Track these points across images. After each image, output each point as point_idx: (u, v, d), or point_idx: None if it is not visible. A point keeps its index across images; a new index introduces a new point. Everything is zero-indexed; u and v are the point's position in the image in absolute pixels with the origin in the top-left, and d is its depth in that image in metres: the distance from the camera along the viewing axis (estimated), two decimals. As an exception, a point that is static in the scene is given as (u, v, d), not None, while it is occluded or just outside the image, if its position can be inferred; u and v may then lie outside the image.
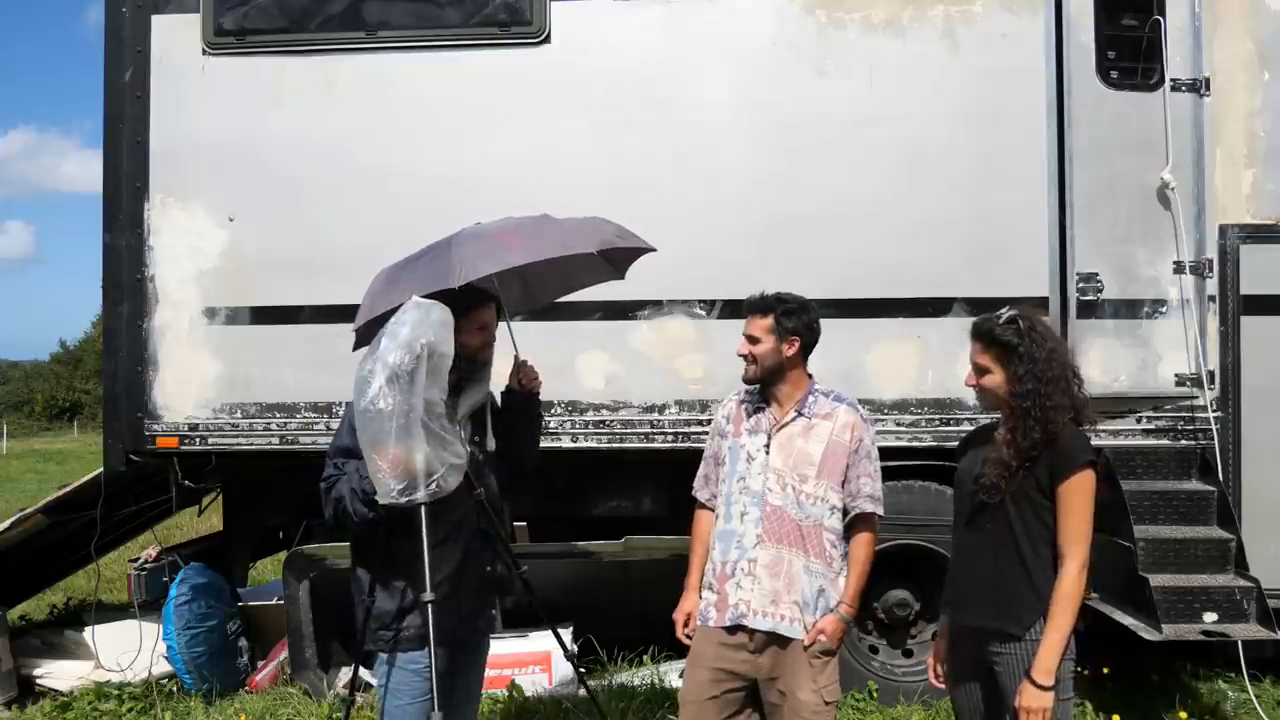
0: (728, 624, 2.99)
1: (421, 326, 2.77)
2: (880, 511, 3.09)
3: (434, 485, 2.78)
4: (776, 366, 3.06)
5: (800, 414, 3.06)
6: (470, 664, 3.19)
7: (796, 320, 3.05)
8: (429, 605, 2.82)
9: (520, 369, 3.29)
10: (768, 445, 3.05)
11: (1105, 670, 4.83)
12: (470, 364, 3.05)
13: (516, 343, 3.29)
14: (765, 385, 3.10)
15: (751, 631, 2.98)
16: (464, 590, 3.02)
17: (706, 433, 3.36)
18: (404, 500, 2.76)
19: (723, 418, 3.21)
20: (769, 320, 3.04)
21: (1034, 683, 2.64)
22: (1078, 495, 2.69)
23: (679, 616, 3.18)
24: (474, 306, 3.06)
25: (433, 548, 2.87)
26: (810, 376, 3.13)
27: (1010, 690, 2.72)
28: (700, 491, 3.25)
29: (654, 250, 3.42)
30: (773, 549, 2.98)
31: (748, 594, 2.98)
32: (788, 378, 3.07)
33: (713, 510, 3.17)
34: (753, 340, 3.06)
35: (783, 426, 3.06)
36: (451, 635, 3.00)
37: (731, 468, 3.10)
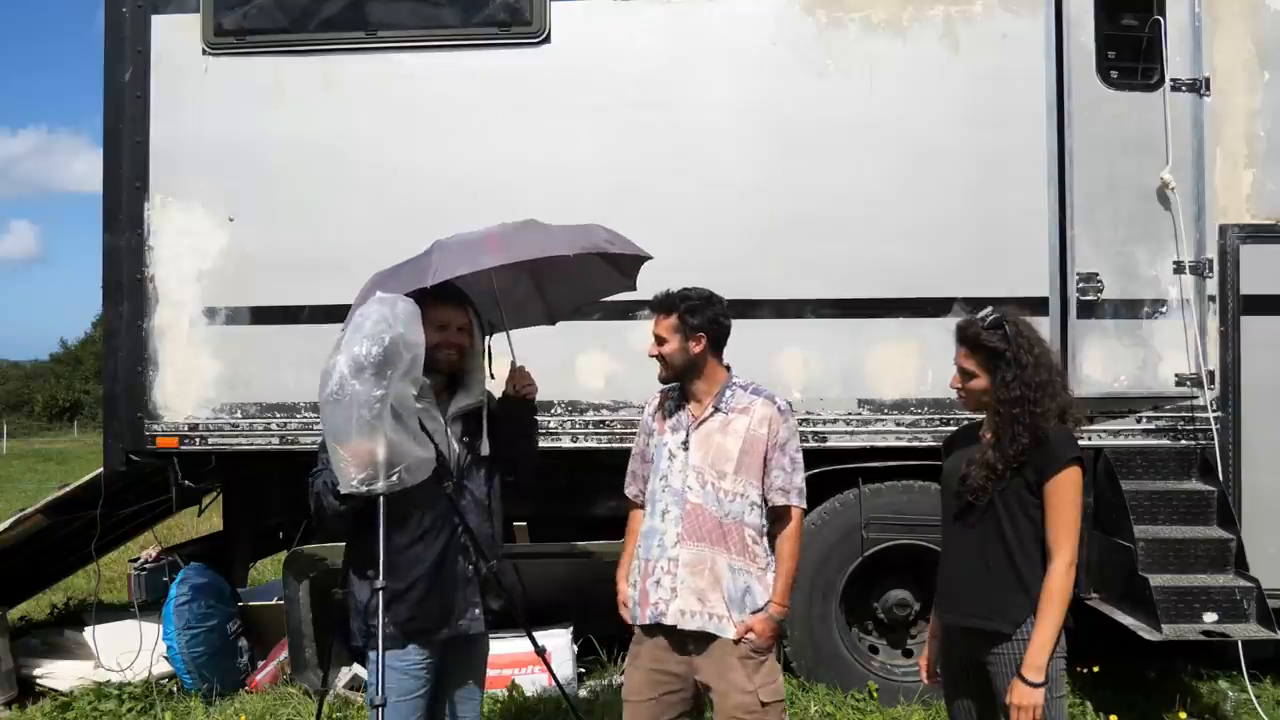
0: (648, 621, 3.00)
1: (386, 319, 2.75)
2: (800, 504, 3.04)
3: (395, 477, 2.76)
4: (687, 365, 3.04)
5: (717, 409, 3.04)
6: (463, 663, 3.17)
7: (700, 316, 3.01)
8: (380, 593, 2.80)
9: (515, 375, 3.27)
10: (686, 442, 3.04)
11: (1096, 669, 4.84)
12: (433, 363, 3.00)
13: (514, 349, 3.29)
14: (682, 383, 3.09)
15: (679, 632, 2.96)
16: (442, 589, 3.01)
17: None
18: (364, 490, 2.75)
19: (649, 415, 3.21)
20: (673, 319, 3.02)
21: (1025, 680, 2.64)
22: (1065, 493, 2.69)
23: (622, 603, 3.17)
24: (434, 304, 3.01)
25: (406, 546, 2.89)
26: (728, 369, 3.11)
27: (1002, 689, 2.72)
28: (629, 488, 3.25)
29: (650, 258, 3.42)
30: (693, 548, 2.96)
31: (667, 593, 2.97)
32: (702, 374, 3.05)
33: (641, 506, 3.17)
34: (660, 340, 3.04)
35: (701, 423, 3.04)
36: (433, 634, 3.00)
37: (656, 465, 3.10)
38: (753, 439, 3.00)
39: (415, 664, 2.97)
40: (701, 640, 2.97)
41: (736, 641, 2.94)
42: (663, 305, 3.05)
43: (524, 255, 3.13)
